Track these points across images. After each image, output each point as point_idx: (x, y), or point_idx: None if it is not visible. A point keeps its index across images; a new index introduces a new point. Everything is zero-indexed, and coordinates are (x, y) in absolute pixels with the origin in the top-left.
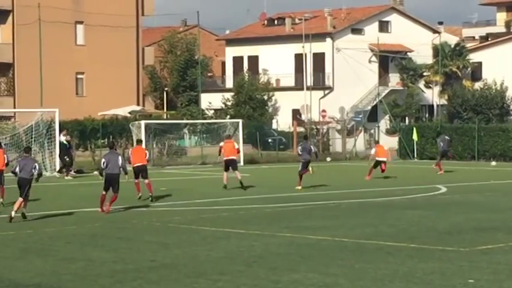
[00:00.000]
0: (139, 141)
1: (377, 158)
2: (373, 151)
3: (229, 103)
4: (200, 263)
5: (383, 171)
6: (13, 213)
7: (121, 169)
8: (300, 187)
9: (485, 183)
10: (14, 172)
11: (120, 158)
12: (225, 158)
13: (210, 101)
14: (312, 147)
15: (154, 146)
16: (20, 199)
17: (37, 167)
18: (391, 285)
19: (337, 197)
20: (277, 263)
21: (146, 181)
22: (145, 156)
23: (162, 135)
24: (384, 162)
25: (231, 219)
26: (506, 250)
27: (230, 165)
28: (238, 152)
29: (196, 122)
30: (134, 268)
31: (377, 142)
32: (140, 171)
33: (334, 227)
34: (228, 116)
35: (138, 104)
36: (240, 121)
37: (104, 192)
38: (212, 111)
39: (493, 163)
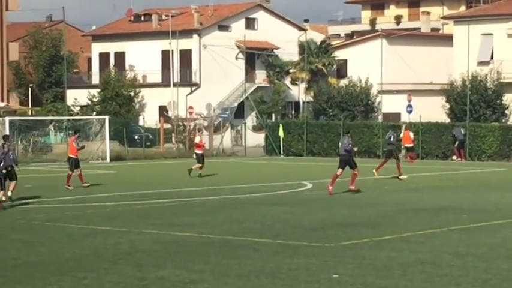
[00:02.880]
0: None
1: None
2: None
3: (95, 99)
4: (65, 261)
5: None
6: (9, 193)
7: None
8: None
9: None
10: None
11: (11, 152)
12: None
13: (75, 97)
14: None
15: (19, 142)
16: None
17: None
18: (257, 281)
19: (204, 194)
20: (143, 260)
21: None
22: None
23: (27, 131)
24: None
25: (96, 216)
26: (370, 245)
27: None
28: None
29: (62, 119)
30: None
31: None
32: None
33: (201, 224)
34: (94, 113)
35: (2, 100)
36: (107, 118)
37: None
38: (78, 108)
39: None
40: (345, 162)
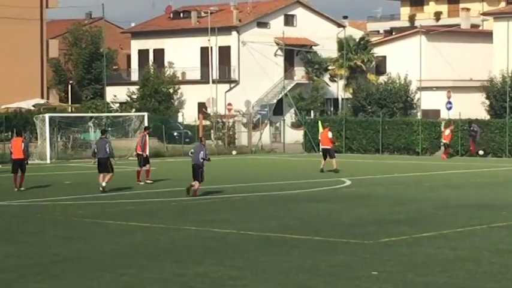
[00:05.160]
0: (18, 133)
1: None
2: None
3: (134, 96)
4: (105, 257)
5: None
6: (104, 184)
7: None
8: None
9: (389, 176)
10: (94, 153)
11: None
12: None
13: (115, 94)
14: None
15: (59, 139)
16: (102, 175)
17: (107, 148)
18: (295, 277)
19: (243, 190)
20: (182, 256)
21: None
22: (22, 149)
23: (67, 128)
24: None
25: (136, 212)
26: (409, 242)
27: None
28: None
29: (101, 115)
30: (38, 262)
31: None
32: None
33: (240, 220)
34: (134, 110)
35: (42, 97)
36: (146, 114)
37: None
38: (117, 105)
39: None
40: None
